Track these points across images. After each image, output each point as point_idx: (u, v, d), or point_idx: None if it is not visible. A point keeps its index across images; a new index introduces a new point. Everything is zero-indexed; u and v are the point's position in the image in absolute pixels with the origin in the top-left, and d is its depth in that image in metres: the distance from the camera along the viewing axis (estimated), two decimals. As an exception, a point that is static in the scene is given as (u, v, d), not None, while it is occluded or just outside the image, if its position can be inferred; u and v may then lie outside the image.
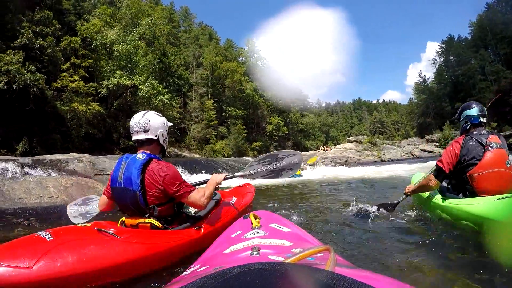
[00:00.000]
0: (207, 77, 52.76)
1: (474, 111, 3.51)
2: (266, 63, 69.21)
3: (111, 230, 2.24)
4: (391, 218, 3.98)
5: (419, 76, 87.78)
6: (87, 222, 2.70)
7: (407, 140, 57.26)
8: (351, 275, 0.65)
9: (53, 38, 27.19)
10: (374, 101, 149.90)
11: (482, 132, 3.36)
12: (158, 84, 31.93)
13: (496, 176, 3.20)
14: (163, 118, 2.87)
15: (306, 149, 57.97)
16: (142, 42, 35.64)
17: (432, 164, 3.73)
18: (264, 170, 3.50)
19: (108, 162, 10.58)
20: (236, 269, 0.66)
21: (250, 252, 1.32)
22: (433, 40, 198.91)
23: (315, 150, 52.17)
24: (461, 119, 3.65)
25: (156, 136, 2.71)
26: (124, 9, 39.14)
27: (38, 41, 25.46)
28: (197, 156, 38.42)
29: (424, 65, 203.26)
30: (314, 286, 0.61)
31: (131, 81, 29.81)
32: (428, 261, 2.61)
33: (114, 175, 2.61)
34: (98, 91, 30.08)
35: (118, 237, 2.20)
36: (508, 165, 3.20)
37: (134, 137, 2.71)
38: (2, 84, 21.95)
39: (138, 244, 2.23)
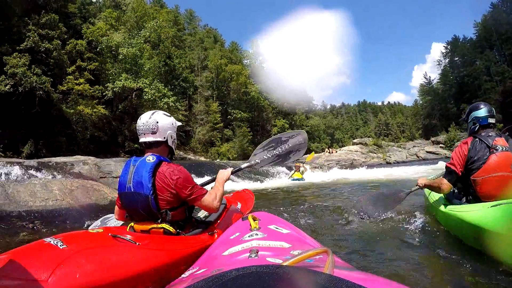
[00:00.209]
0: (212, 80, 52.92)
1: (482, 111, 3.40)
2: (271, 65, 69.34)
3: (128, 237, 2.08)
4: (393, 221, 3.94)
5: (424, 77, 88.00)
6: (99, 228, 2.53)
7: (413, 142, 57.17)
8: (349, 278, 0.66)
9: (59, 41, 27.39)
10: (379, 103, 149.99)
11: (490, 134, 3.25)
12: (163, 87, 32.04)
13: (499, 181, 3.08)
14: (172, 118, 2.71)
15: (311, 152, 57.95)
16: (147, 45, 35.78)
17: (441, 166, 3.65)
18: (270, 156, 3.34)
19: (113, 165, 10.59)
20: (234, 272, 0.66)
21: (248, 254, 1.32)
22: (438, 41, 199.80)
23: (320, 152, 52.07)
24: (469, 120, 3.55)
25: (164, 138, 2.56)
26: (129, 12, 39.34)
27: (44, 44, 25.63)
28: (202, 158, 38.47)
29: (429, 66, 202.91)
30: None
31: (137, 84, 29.94)
32: (426, 264, 2.63)
33: (122, 179, 2.45)
34: (104, 94, 30.23)
35: (137, 243, 2.06)
36: None
37: (142, 139, 2.56)
38: (8, 87, 22.20)
39: (158, 251, 2.10)
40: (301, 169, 17.31)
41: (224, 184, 2.85)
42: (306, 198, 8.12)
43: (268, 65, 68.12)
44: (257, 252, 1.31)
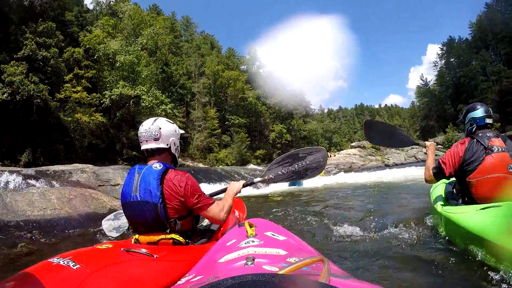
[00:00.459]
0: (209, 86, 53.02)
1: (479, 112, 3.40)
2: (268, 70, 69.64)
3: (143, 250, 1.96)
4: (392, 227, 3.95)
5: (421, 79, 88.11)
6: (115, 238, 2.33)
7: (411, 144, 57.26)
8: (345, 286, 0.68)
9: (56, 49, 27.42)
10: (376, 106, 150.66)
11: (487, 135, 3.23)
12: (160, 94, 32.01)
13: (495, 182, 3.07)
14: (175, 125, 2.63)
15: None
16: (145, 52, 35.81)
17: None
18: (285, 172, 3.13)
19: (112, 173, 10.59)
20: (230, 281, 0.66)
21: (245, 261, 1.30)
22: (433, 42, 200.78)
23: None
24: (466, 121, 3.54)
25: (167, 144, 2.48)
26: (126, 19, 39.44)
27: (41, 52, 25.63)
28: (201, 165, 38.49)
29: (425, 68, 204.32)
30: None
31: (134, 91, 29.93)
32: (423, 271, 2.64)
33: (126, 189, 2.34)
34: (101, 101, 30.20)
35: (154, 256, 1.93)
36: (511, 170, 3.05)
37: (144, 146, 2.48)
38: (6, 95, 22.15)
39: (177, 262, 1.98)
40: None
41: (233, 197, 2.72)
42: (303, 203, 8.16)
43: (265, 71, 68.59)
44: (253, 260, 1.29)
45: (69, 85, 28.83)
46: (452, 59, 73.55)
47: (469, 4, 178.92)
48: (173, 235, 2.25)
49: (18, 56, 24.55)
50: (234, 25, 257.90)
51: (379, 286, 0.84)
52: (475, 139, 3.25)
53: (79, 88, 29.08)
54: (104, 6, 42.77)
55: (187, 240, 2.35)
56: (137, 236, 2.32)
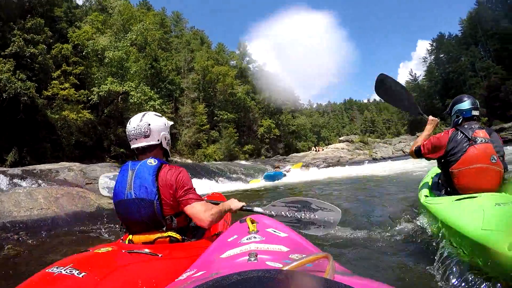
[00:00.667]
0: (198, 82, 52.71)
1: (466, 104, 3.39)
2: (258, 65, 69.77)
3: (146, 250, 1.88)
4: (392, 223, 3.96)
5: (410, 74, 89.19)
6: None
7: (398, 137, 57.72)
8: (351, 283, 0.67)
9: (44, 46, 27.17)
10: (365, 101, 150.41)
11: (472, 126, 3.24)
12: (149, 90, 31.81)
13: (477, 172, 3.07)
14: (163, 118, 2.51)
15: (298, 150, 58.19)
16: (134, 48, 35.56)
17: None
18: (289, 216, 2.76)
19: (99, 170, 10.51)
20: (236, 276, 0.66)
21: (247, 257, 1.28)
22: (423, 38, 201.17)
23: (307, 151, 52.40)
24: (452, 113, 3.54)
25: (158, 140, 2.37)
26: (116, 15, 39.03)
27: (29, 49, 25.47)
28: (189, 161, 38.38)
29: (414, 64, 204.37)
30: None
31: (122, 88, 29.73)
32: (426, 267, 2.58)
33: (119, 187, 2.22)
34: (89, 98, 29.92)
35: (159, 255, 1.85)
36: (494, 161, 3.05)
37: (134, 145, 2.35)
38: (-8, 93, 21.78)
39: (182, 259, 1.89)
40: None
41: (227, 211, 2.48)
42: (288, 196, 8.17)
43: (254, 66, 68.74)
44: (256, 256, 1.27)
45: (56, 82, 28.50)
46: (441, 55, 74.08)
47: (459, 1, 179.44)
48: (169, 233, 2.17)
49: (6, 53, 24.36)
50: (224, 21, 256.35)
51: (384, 284, 0.91)
52: (459, 130, 3.27)
53: (67, 85, 28.75)
54: (93, 2, 42.15)
55: (183, 237, 2.26)
56: (130, 236, 2.20)
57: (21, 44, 25.00)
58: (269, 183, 14.64)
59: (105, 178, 3.61)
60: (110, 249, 1.84)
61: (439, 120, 3.96)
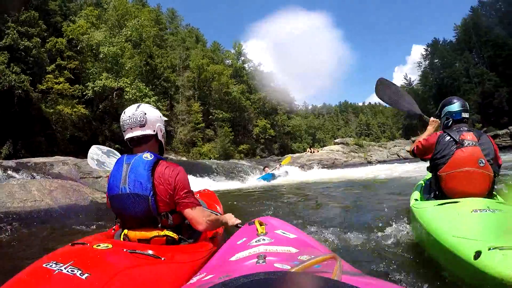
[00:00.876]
0: (193, 80, 52.64)
1: (455, 106, 3.33)
2: (253, 65, 69.79)
3: (149, 251, 1.81)
4: (401, 223, 3.77)
5: (405, 78, 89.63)
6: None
7: (393, 141, 57.90)
8: (358, 283, 0.67)
9: (39, 39, 27.04)
10: (360, 104, 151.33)
11: (461, 129, 3.16)
12: (144, 87, 31.77)
13: (464, 176, 2.99)
14: (158, 111, 2.45)
15: (293, 151, 58.08)
16: (129, 44, 35.41)
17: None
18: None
19: None
20: (243, 279, 0.67)
21: (256, 260, 1.28)
22: (418, 43, 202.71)
23: (302, 152, 52.37)
24: (442, 115, 3.48)
25: (154, 131, 2.30)
26: (111, 10, 38.89)
27: (23, 42, 25.34)
28: (184, 159, 38.29)
29: (409, 68, 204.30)
30: None
31: (117, 83, 29.69)
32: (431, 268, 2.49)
33: (113, 180, 2.16)
34: (84, 93, 29.86)
35: (162, 258, 1.79)
36: (482, 164, 2.95)
37: (129, 135, 2.27)
38: (-14, 86, 21.64)
39: (184, 264, 1.87)
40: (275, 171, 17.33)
41: (223, 224, 2.53)
42: (292, 197, 8.10)
43: (250, 66, 68.85)
44: (265, 258, 1.28)
45: (51, 76, 28.38)
46: (436, 60, 74.60)
47: (454, 7, 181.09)
48: (166, 232, 2.12)
49: (-1, 45, 24.05)
50: (219, 19, 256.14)
51: (391, 283, 0.93)
52: (446, 133, 3.20)
53: (61, 79, 28.65)
54: (88, -4, 42.19)
55: (180, 236, 2.21)
56: (126, 231, 2.13)
57: (15, 37, 24.91)
58: (265, 183, 14.52)
59: (97, 149, 3.53)
60: (110, 246, 1.74)
61: (439, 122, 3.80)
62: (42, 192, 6.84)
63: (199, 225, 2.20)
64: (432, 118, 3.80)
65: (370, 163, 35.39)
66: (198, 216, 2.18)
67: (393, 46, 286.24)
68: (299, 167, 26.48)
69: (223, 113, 52.89)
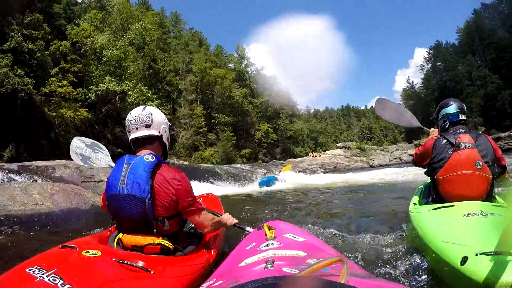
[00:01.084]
0: (196, 84, 52.60)
1: (452, 108, 3.30)
2: (256, 69, 69.84)
3: (140, 263, 1.74)
4: (372, 228, 3.92)
5: (407, 82, 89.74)
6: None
7: (395, 145, 57.89)
8: (365, 286, 0.71)
9: (43, 42, 27.06)
10: (362, 107, 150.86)
11: (458, 131, 3.11)
12: (147, 90, 31.85)
13: (461, 180, 2.94)
14: (164, 114, 2.44)
15: (295, 156, 58.00)
16: (132, 48, 35.52)
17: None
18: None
19: (95, 169, 10.44)
20: (250, 284, 0.68)
21: (264, 265, 1.29)
22: (421, 46, 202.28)
23: (304, 156, 52.31)
24: (439, 118, 3.46)
25: (159, 132, 2.29)
26: (115, 14, 39.04)
27: (27, 45, 25.33)
28: (186, 163, 38.31)
29: (412, 71, 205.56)
30: None
31: (120, 87, 29.74)
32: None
33: (112, 180, 2.12)
34: (87, 96, 29.91)
35: (151, 271, 1.71)
36: (479, 167, 2.89)
37: (134, 135, 2.25)
38: (-11, 88, 21.68)
39: (175, 279, 1.80)
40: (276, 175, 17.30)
41: (223, 224, 2.53)
42: (296, 202, 8.14)
43: (252, 69, 68.88)
44: (273, 263, 1.29)
45: (54, 79, 28.43)
46: (438, 63, 74.56)
47: (457, 10, 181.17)
48: (161, 240, 2.05)
49: (4, 48, 24.19)
50: (223, 23, 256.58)
51: (399, 284, 0.93)
52: (442, 136, 3.17)
53: (64, 83, 28.73)
54: (92, -1, 42.37)
55: (175, 245, 2.16)
56: (120, 235, 2.08)
57: (19, 40, 24.89)
58: (264, 189, 14.50)
59: (79, 142, 3.40)
60: (99, 254, 1.70)
61: (437, 124, 3.80)
62: (43, 196, 6.83)
63: (204, 228, 2.29)
64: (432, 129, 3.80)
65: (372, 167, 35.40)
66: (204, 221, 2.25)
67: (396, 49, 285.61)
68: (301, 171, 26.51)
69: (226, 117, 52.78)
